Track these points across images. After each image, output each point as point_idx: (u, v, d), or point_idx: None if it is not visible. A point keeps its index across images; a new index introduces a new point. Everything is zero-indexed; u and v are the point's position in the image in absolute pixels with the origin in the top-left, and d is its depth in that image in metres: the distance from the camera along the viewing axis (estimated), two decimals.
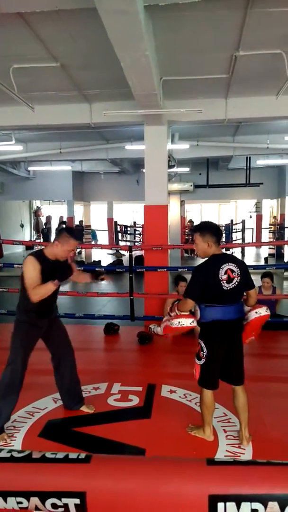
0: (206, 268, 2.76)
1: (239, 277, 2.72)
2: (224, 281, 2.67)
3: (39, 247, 9.97)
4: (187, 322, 2.76)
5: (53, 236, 17.99)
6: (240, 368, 2.89)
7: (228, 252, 12.76)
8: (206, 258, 2.82)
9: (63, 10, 3.18)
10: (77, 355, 3.38)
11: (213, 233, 2.79)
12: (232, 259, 2.80)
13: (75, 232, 3.25)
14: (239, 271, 2.73)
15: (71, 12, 3.26)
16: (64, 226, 12.46)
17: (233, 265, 2.72)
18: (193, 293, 2.75)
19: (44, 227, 18.32)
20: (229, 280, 2.69)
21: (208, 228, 2.83)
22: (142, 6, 3.00)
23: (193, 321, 2.78)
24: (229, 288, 2.69)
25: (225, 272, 2.68)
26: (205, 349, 2.80)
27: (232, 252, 14.53)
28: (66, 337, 3.31)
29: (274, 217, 17.79)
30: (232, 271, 2.71)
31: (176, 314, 2.80)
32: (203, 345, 2.81)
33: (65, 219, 17.21)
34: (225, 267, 2.70)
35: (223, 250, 2.95)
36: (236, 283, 2.72)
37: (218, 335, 2.78)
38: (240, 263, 2.80)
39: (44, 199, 18.73)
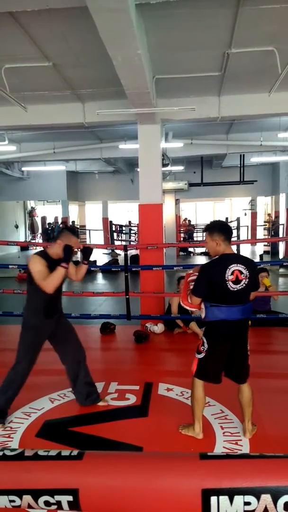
0: (211, 267, 2.76)
1: (247, 279, 2.69)
2: (231, 282, 2.65)
3: (34, 247, 9.97)
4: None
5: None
6: (244, 367, 2.89)
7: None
8: (216, 257, 2.80)
9: (54, 9, 3.18)
10: None
11: (221, 231, 2.77)
12: (242, 260, 2.75)
13: (76, 230, 3.35)
14: (248, 273, 2.69)
15: (62, 11, 3.25)
16: (64, 225, 12.46)
17: (243, 266, 2.68)
18: (198, 291, 2.76)
19: (48, 227, 18.27)
20: (236, 282, 2.66)
21: (216, 227, 2.82)
22: (134, 4, 3.00)
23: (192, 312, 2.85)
24: (236, 289, 2.67)
25: (232, 273, 2.65)
26: (206, 345, 2.81)
27: None
28: (74, 336, 3.38)
29: (269, 215, 17.85)
30: (241, 272, 2.67)
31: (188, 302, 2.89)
32: (205, 341, 2.83)
33: (60, 219, 17.18)
34: (233, 267, 2.66)
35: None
36: (244, 285, 2.69)
37: (222, 334, 2.78)
38: (250, 265, 2.75)
39: (39, 200, 18.70)
